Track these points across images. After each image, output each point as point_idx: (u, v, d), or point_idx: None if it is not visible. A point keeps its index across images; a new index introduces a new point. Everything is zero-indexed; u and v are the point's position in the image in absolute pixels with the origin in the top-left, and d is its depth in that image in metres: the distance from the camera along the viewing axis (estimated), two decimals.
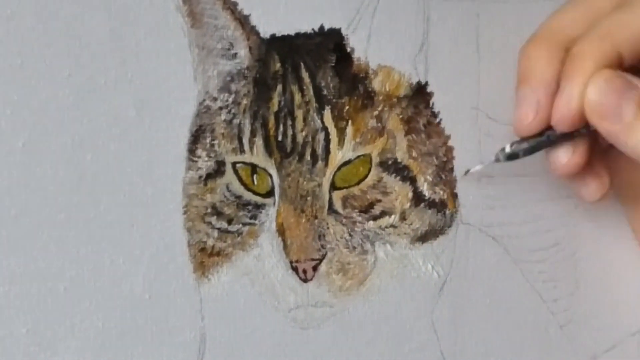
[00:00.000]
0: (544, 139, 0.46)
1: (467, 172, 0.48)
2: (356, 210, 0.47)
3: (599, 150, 0.48)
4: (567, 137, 0.46)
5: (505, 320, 0.50)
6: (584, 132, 0.46)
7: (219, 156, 0.45)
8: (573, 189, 0.49)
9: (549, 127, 0.46)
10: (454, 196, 0.48)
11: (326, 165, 0.46)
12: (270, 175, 0.45)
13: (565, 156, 0.46)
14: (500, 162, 0.47)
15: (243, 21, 0.45)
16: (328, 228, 0.46)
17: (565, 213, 0.51)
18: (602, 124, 0.44)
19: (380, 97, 0.47)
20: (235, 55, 0.45)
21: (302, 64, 0.45)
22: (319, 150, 0.46)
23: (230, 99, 0.45)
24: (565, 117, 0.45)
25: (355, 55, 0.46)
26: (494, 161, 0.47)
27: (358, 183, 0.47)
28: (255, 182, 0.45)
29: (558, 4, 0.48)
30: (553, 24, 0.47)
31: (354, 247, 0.47)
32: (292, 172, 0.45)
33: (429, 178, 0.48)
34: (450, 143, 0.48)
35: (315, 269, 0.46)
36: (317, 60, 0.46)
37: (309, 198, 0.46)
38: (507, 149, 0.47)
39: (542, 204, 0.51)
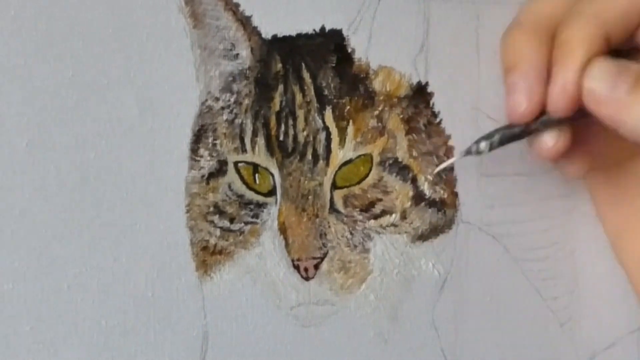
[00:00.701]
0: (517, 130, 0.45)
1: (436, 170, 0.48)
2: (357, 209, 0.47)
3: (582, 128, 0.47)
4: (551, 123, 0.45)
5: (505, 318, 0.50)
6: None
7: (221, 156, 0.45)
8: (557, 168, 0.48)
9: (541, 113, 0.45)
10: (455, 195, 0.48)
11: (327, 164, 0.46)
12: (272, 175, 0.45)
13: (552, 140, 0.45)
14: (472, 154, 0.46)
15: (245, 22, 0.45)
16: (329, 227, 0.46)
17: (564, 212, 0.51)
18: (600, 109, 0.43)
19: (381, 97, 0.47)
20: (237, 56, 0.45)
21: (303, 64, 0.45)
22: (320, 150, 0.45)
23: (232, 99, 0.45)
24: (562, 104, 0.44)
25: (356, 56, 0.46)
26: (464, 154, 0.46)
27: (359, 182, 0.47)
28: (257, 182, 0.45)
29: None
30: (534, 8, 0.46)
31: (355, 246, 0.47)
32: (294, 171, 0.45)
33: (430, 177, 0.48)
34: (450, 143, 0.48)
35: (316, 267, 0.46)
36: (318, 60, 0.46)
37: (310, 197, 0.46)
38: (482, 144, 0.46)
39: (541, 203, 0.50)
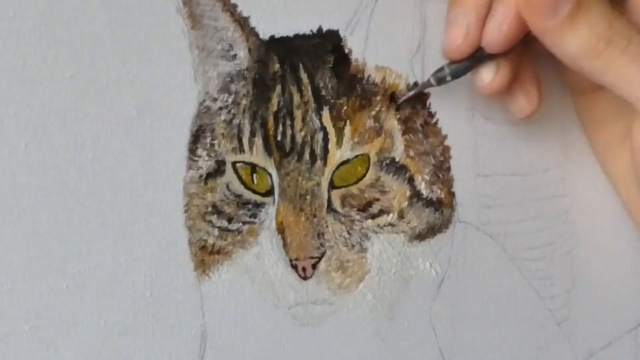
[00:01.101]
0: (471, 61, 0.45)
1: (400, 101, 0.47)
2: (355, 209, 0.47)
3: (528, 66, 0.47)
4: (493, 56, 0.45)
5: (502, 317, 0.50)
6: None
7: (219, 156, 0.45)
8: (504, 106, 0.48)
9: (478, 49, 0.45)
10: (452, 195, 0.48)
11: (325, 164, 0.46)
12: (270, 175, 0.45)
13: (489, 75, 0.45)
14: (433, 85, 0.46)
15: (242, 23, 0.45)
16: (327, 226, 0.46)
17: (561, 212, 0.51)
18: (535, 19, 0.42)
19: (378, 98, 0.47)
20: (234, 57, 0.45)
21: (300, 65, 0.45)
22: (318, 150, 0.45)
23: (230, 100, 0.45)
24: (496, 40, 0.44)
25: (353, 56, 0.46)
26: (424, 84, 0.46)
27: (356, 182, 0.46)
28: (255, 181, 0.45)
29: None
30: None
31: (353, 245, 0.47)
32: (291, 171, 0.45)
33: (427, 177, 0.48)
34: (447, 143, 0.48)
35: (314, 266, 0.46)
36: (316, 61, 0.46)
37: (308, 197, 0.46)
38: (432, 78, 0.46)
39: (538, 202, 0.50)
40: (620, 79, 0.42)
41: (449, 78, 0.46)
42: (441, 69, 0.46)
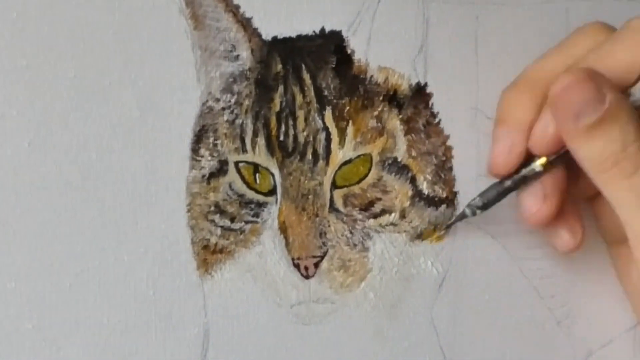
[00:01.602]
0: (511, 183, 0.46)
1: (445, 226, 0.48)
2: (357, 209, 0.47)
3: (572, 201, 0.47)
4: (533, 178, 0.45)
5: (503, 316, 0.50)
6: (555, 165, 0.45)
7: (222, 156, 0.45)
8: (548, 241, 0.48)
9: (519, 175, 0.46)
10: (453, 195, 0.48)
11: (327, 164, 0.46)
12: (272, 174, 0.45)
13: (536, 205, 0.46)
14: (476, 215, 0.47)
15: (245, 24, 0.45)
16: (329, 226, 0.46)
17: None
18: (561, 120, 0.43)
19: (380, 98, 0.46)
20: (237, 57, 0.45)
21: (303, 65, 0.45)
22: (320, 150, 0.45)
23: (233, 100, 0.45)
24: (542, 141, 0.44)
25: (356, 57, 0.46)
26: (467, 215, 0.47)
27: (358, 182, 0.46)
28: (258, 181, 0.45)
29: (554, 8, 0.49)
30: (535, 68, 0.46)
31: (355, 245, 0.47)
32: (294, 171, 0.45)
33: (429, 177, 0.48)
34: (449, 143, 0.48)
35: (316, 265, 0.46)
36: (318, 61, 0.46)
37: (310, 196, 0.46)
38: (477, 201, 0.46)
39: None
40: (616, 200, 0.43)
41: (490, 203, 0.46)
42: (486, 191, 0.47)
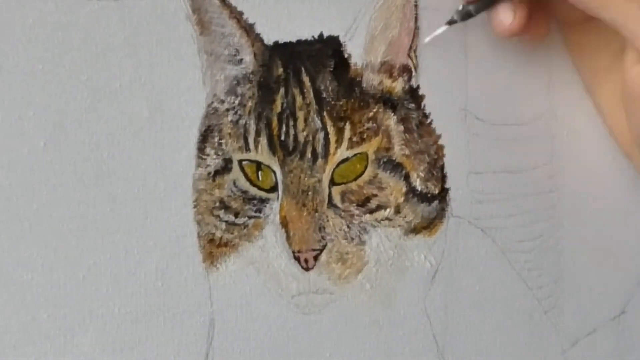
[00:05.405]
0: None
1: (426, 40, 0.47)
2: (354, 204, 0.47)
3: (540, 9, 0.47)
4: None
5: (493, 306, 0.50)
6: None
7: (226, 154, 0.45)
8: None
9: None
10: (445, 191, 0.49)
11: (326, 162, 0.46)
12: (274, 172, 0.45)
13: (508, 19, 0.45)
14: (457, 22, 0.46)
15: (248, 29, 0.45)
16: (328, 221, 0.46)
17: (549, 207, 0.51)
18: None
19: (376, 100, 0.47)
20: (241, 61, 0.45)
21: (303, 68, 0.46)
22: (319, 149, 0.46)
23: (237, 101, 0.45)
24: None
25: (353, 61, 0.46)
26: (448, 23, 0.47)
27: (355, 179, 0.47)
28: (260, 178, 0.45)
29: None
30: None
31: (352, 238, 0.47)
32: (294, 168, 0.46)
33: (422, 174, 0.48)
34: (440, 142, 0.48)
35: (316, 258, 0.46)
36: (317, 65, 0.46)
37: (310, 193, 0.46)
38: (460, 8, 0.46)
39: (527, 198, 0.50)
40: (619, 15, 0.42)
41: (473, 11, 0.46)
42: (465, 6, 0.46)
